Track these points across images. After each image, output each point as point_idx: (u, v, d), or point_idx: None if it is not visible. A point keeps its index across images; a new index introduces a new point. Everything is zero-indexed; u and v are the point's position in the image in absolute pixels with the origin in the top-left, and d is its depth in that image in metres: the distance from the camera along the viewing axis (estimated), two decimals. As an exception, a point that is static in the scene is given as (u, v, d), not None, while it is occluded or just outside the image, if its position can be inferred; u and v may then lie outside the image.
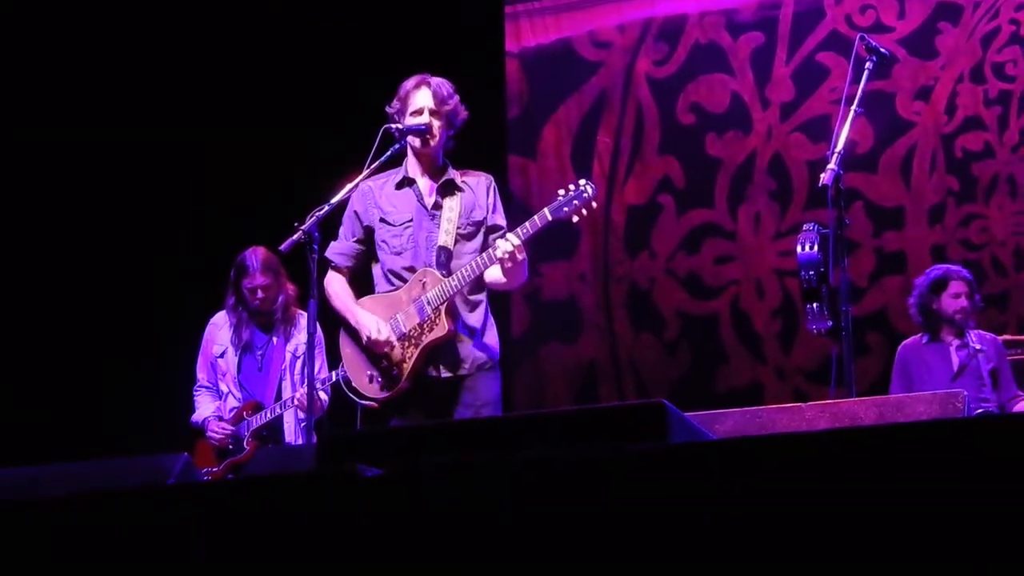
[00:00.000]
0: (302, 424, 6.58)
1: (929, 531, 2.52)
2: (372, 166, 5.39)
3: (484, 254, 5.25)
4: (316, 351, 6.66)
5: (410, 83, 5.46)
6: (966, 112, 8.12)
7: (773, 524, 2.59)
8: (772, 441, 2.93)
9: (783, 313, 8.33)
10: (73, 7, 8.63)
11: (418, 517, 2.80)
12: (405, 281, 5.38)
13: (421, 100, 5.42)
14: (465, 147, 5.59)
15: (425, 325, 5.27)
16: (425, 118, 5.41)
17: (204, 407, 6.76)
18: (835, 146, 5.52)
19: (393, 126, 5.42)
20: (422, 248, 5.38)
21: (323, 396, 6.51)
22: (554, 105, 8.94)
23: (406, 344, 5.31)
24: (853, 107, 5.64)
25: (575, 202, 5.16)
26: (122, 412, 8.31)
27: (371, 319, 5.35)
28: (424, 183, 5.46)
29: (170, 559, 2.97)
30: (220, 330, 6.79)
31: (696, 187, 8.61)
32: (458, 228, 5.38)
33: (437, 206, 5.41)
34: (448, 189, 5.45)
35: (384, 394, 5.34)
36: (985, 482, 2.51)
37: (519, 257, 5.15)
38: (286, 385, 6.62)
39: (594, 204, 5.20)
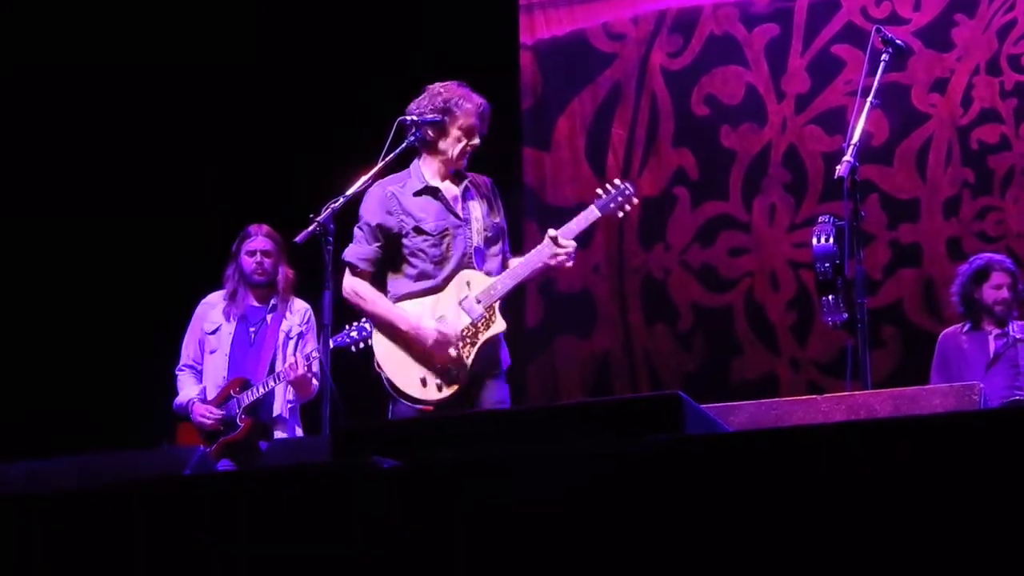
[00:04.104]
0: (289, 404, 6.60)
1: (944, 523, 2.51)
2: (387, 158, 5.39)
3: (533, 255, 5.38)
4: (307, 332, 6.70)
5: (477, 99, 5.46)
6: (982, 104, 8.08)
7: (790, 516, 2.58)
8: (789, 433, 2.93)
9: (798, 305, 8.32)
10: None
11: (434, 509, 2.80)
12: (442, 289, 5.39)
13: (477, 118, 5.46)
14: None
15: (480, 324, 5.33)
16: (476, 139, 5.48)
17: (187, 389, 6.71)
18: (851, 138, 5.51)
19: (408, 118, 5.43)
20: (458, 253, 5.39)
21: (314, 382, 6.51)
22: (568, 97, 8.93)
23: (462, 344, 5.33)
24: (869, 99, 5.63)
25: (619, 199, 5.45)
26: (95, 401, 8.33)
27: (430, 324, 5.33)
28: (448, 190, 5.48)
29: (186, 550, 2.98)
30: (213, 309, 6.78)
31: (711, 179, 8.59)
32: (485, 231, 5.47)
33: (466, 212, 5.46)
34: (469, 194, 5.50)
35: (442, 395, 5.32)
36: (1001, 474, 2.50)
37: (570, 258, 5.39)
38: (278, 365, 6.61)
39: (635, 200, 5.49)
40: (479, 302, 5.33)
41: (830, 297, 5.49)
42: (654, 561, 2.62)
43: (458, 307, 5.34)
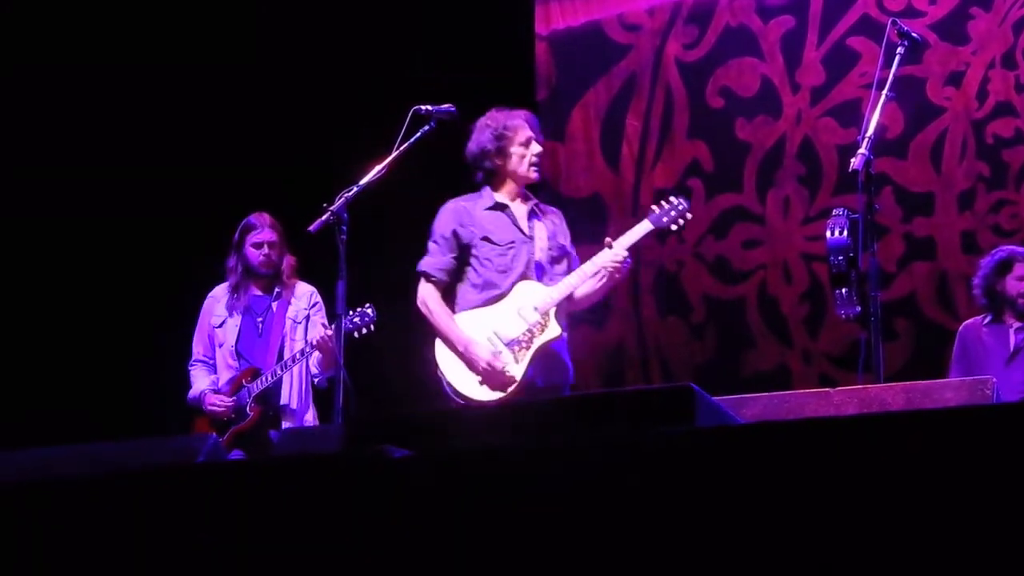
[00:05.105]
0: (316, 379, 6.59)
1: (956, 516, 2.51)
2: (401, 148, 5.45)
3: (590, 263, 5.67)
4: (315, 314, 6.69)
5: (518, 113, 5.81)
6: (997, 98, 8.05)
7: (802, 508, 2.58)
8: (801, 426, 2.93)
9: (810, 298, 8.31)
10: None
11: (445, 500, 2.80)
12: (503, 298, 5.71)
13: (529, 129, 5.81)
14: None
15: (536, 329, 5.63)
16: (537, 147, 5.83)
17: (200, 381, 6.73)
18: (865, 131, 5.50)
19: (423, 107, 5.52)
20: (521, 265, 5.73)
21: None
22: (583, 88, 8.93)
23: (516, 348, 5.63)
24: (884, 92, 5.62)
25: (672, 213, 5.76)
26: (115, 395, 8.32)
27: (484, 349, 5.61)
28: (517, 208, 5.82)
29: (198, 538, 2.98)
30: (219, 303, 6.78)
31: (725, 171, 8.58)
32: (549, 250, 5.81)
33: (531, 229, 5.80)
34: (535, 215, 5.86)
35: (498, 396, 5.57)
36: (1013, 468, 2.50)
37: (625, 266, 5.66)
38: (286, 352, 6.61)
39: (689, 216, 5.79)
40: (536, 309, 5.62)
41: (843, 290, 5.49)
42: (666, 553, 2.63)
43: (517, 314, 5.63)
